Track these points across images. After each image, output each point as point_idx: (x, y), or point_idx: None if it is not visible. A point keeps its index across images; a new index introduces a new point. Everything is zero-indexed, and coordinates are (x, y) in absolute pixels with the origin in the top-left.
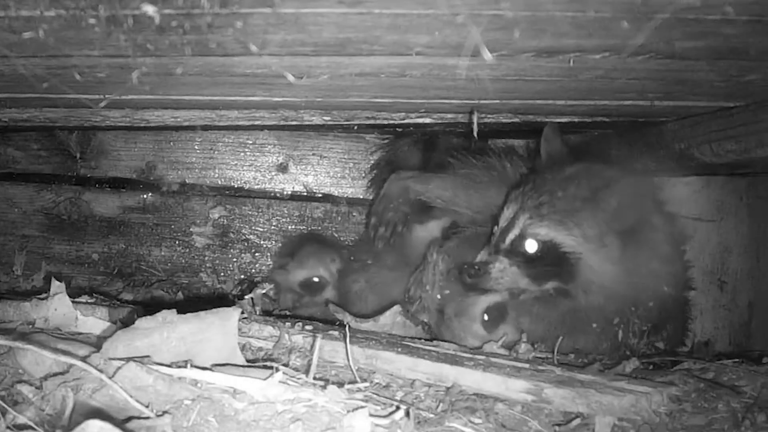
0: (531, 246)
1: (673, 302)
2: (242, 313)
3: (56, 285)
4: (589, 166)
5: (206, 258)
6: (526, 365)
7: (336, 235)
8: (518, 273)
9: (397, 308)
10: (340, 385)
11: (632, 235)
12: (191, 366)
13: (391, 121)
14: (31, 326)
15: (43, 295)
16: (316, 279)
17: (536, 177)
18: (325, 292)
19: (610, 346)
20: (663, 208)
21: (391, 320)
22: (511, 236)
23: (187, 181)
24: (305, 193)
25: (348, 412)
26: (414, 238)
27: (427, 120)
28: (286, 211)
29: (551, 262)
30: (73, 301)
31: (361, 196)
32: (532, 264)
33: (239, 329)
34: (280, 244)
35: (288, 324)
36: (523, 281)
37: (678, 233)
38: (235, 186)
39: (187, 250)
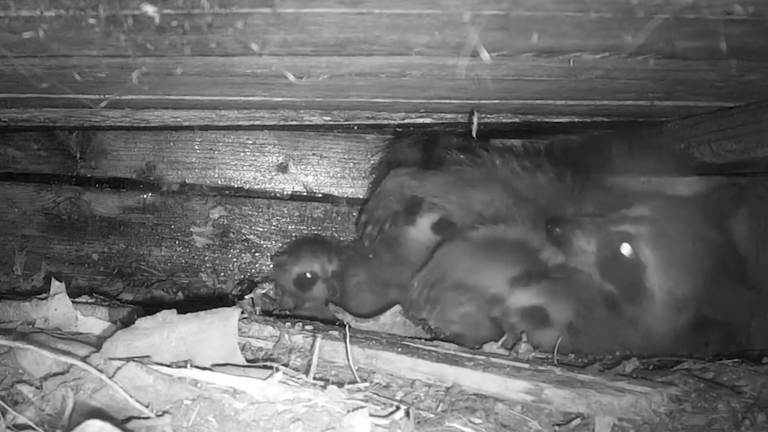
0: (626, 249)
1: None
2: (242, 313)
3: (56, 285)
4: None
5: (206, 258)
6: (526, 365)
7: (336, 235)
8: (594, 262)
9: (397, 308)
10: (340, 385)
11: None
12: (191, 366)
13: (391, 121)
14: (31, 326)
15: (43, 295)
16: (308, 275)
17: (669, 195)
18: (315, 287)
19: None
20: None
21: (391, 320)
22: (620, 228)
23: (187, 181)
24: (305, 193)
25: (348, 412)
26: (409, 240)
27: (427, 120)
28: (286, 211)
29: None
30: (73, 301)
31: (361, 196)
32: (607, 263)
33: (239, 329)
34: (280, 245)
35: (288, 324)
36: (591, 268)
37: None
38: (235, 186)
39: (187, 250)
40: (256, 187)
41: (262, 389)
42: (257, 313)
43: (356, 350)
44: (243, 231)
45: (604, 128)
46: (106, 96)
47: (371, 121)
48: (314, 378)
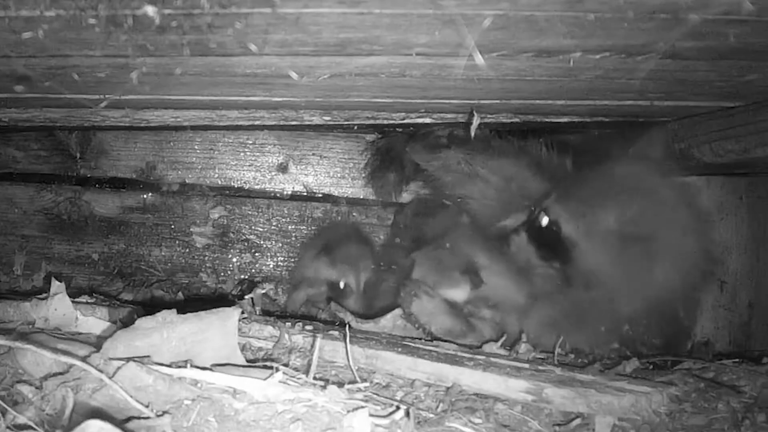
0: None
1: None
2: (242, 313)
3: (56, 285)
4: None
5: (206, 258)
6: (526, 365)
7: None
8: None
9: (398, 312)
10: (340, 385)
11: None
12: (191, 366)
13: (391, 121)
14: (31, 326)
15: (43, 295)
16: (342, 285)
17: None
18: (349, 299)
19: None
20: None
21: (391, 323)
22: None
23: (187, 181)
24: (305, 193)
25: (348, 412)
26: None
27: (427, 120)
28: (286, 211)
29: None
30: (73, 301)
31: (361, 196)
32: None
33: (239, 329)
34: (280, 245)
35: (288, 324)
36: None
37: None
38: (235, 186)
39: (187, 250)
40: (256, 187)
41: (262, 389)
42: (257, 313)
43: (356, 350)
44: (243, 231)
45: (604, 128)
46: (106, 96)
47: (371, 121)
48: (314, 378)
